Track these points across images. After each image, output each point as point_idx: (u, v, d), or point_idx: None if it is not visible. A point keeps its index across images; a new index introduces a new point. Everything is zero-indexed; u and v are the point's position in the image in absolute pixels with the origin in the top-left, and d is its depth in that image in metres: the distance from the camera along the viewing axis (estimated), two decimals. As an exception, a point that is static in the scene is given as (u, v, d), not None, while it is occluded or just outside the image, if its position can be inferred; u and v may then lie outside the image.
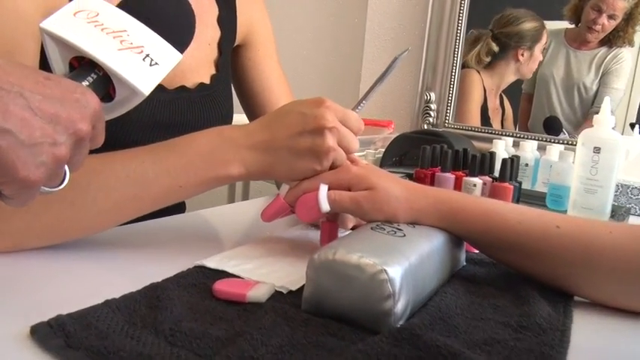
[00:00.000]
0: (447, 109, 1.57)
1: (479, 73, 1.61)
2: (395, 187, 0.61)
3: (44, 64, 0.69)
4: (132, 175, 0.59)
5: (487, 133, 1.53)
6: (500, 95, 1.65)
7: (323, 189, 0.60)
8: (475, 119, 1.61)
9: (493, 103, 1.64)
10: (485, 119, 1.62)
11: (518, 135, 1.48)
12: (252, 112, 1.01)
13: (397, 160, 1.36)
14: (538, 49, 1.56)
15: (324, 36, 1.87)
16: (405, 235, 0.53)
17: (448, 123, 1.57)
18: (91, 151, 0.62)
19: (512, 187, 1.01)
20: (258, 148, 0.61)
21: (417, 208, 0.60)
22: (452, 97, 1.57)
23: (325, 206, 0.60)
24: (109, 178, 0.59)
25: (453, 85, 1.56)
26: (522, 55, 1.57)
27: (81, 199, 0.58)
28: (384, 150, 1.37)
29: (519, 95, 1.61)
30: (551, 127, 1.51)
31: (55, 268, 0.56)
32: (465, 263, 0.66)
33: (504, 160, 1.01)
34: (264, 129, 0.62)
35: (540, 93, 1.58)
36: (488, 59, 1.59)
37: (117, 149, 0.75)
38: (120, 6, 0.53)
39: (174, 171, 0.60)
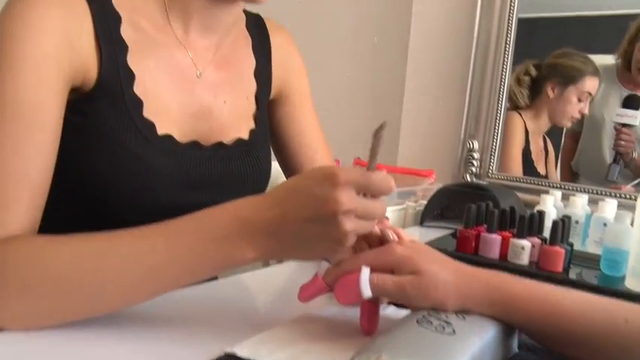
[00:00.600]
0: (490, 158, 1.52)
1: (520, 115, 1.56)
2: (443, 270, 0.56)
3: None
4: (142, 261, 0.57)
5: (532, 184, 1.47)
6: (544, 137, 1.59)
7: (365, 272, 0.56)
8: (518, 166, 1.55)
9: (537, 146, 1.59)
10: (529, 163, 1.57)
11: (566, 187, 1.41)
12: (287, 167, 0.98)
13: (439, 214, 1.31)
14: (573, 92, 1.50)
15: (362, 85, 1.85)
16: (454, 332, 0.49)
17: (492, 173, 1.52)
18: (108, 224, 0.60)
19: (563, 250, 0.95)
20: (271, 232, 0.57)
21: (467, 294, 0.55)
22: (495, 145, 1.52)
23: (367, 292, 0.55)
24: (117, 262, 0.57)
25: (497, 133, 1.51)
26: (553, 90, 1.52)
27: (88, 284, 0.56)
28: (425, 202, 1.33)
29: (561, 133, 1.56)
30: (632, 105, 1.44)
31: (64, 347, 0.53)
32: (517, 350, 0.61)
33: (555, 223, 0.95)
34: (274, 208, 0.57)
35: (589, 133, 1.53)
36: (526, 92, 1.54)
37: (148, 209, 0.72)
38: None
39: (188, 257, 0.57)
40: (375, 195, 0.57)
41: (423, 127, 1.64)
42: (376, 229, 0.63)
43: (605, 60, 1.49)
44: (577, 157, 1.56)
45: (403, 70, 1.67)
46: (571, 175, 1.56)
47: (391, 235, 0.63)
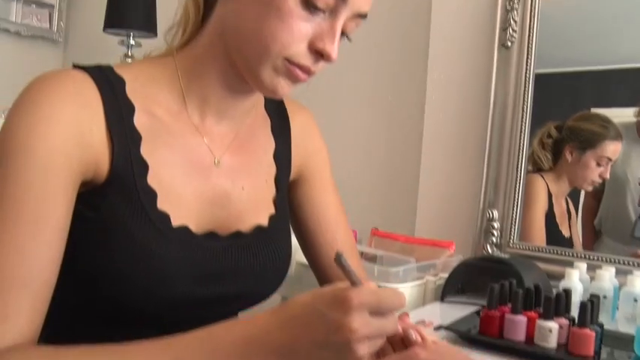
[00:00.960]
0: (511, 227, 1.48)
1: (543, 177, 1.54)
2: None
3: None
4: None
5: (555, 254, 1.42)
6: (566, 199, 1.56)
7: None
8: (540, 233, 1.51)
9: (560, 208, 1.56)
10: (554, 226, 1.52)
11: (591, 257, 1.37)
12: (307, 247, 0.96)
13: (460, 289, 1.27)
14: (591, 157, 1.48)
15: (379, 154, 1.85)
16: None
17: (513, 243, 1.48)
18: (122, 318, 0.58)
19: (594, 333, 0.91)
20: (282, 354, 0.55)
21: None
22: (516, 214, 1.48)
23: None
24: None
25: (517, 200, 1.48)
26: (571, 154, 1.49)
27: None
28: (445, 276, 1.29)
29: (579, 191, 1.52)
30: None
31: None
32: None
33: (583, 305, 0.91)
34: (285, 330, 0.55)
35: (611, 192, 1.48)
36: (550, 155, 1.52)
37: (164, 301, 0.70)
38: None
39: None
40: (386, 313, 0.56)
41: (441, 196, 1.61)
42: (399, 327, 0.60)
43: (625, 113, 1.46)
44: (600, 216, 1.51)
45: (419, 139, 1.66)
46: (594, 234, 1.51)
47: (414, 336, 0.60)
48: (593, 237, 1.51)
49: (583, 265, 1.21)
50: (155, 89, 0.74)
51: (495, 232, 1.48)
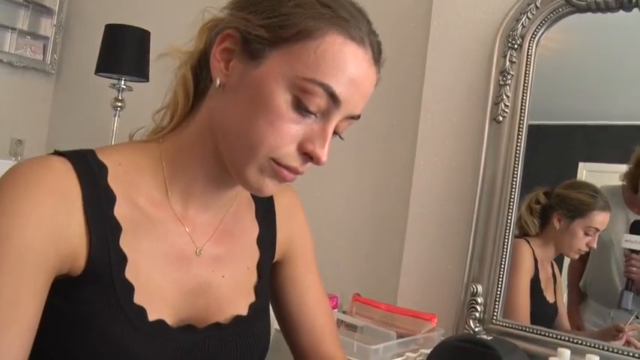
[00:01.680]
0: (495, 303, 1.45)
1: (529, 243, 1.52)
2: None
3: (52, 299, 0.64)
4: None
5: (538, 334, 1.40)
6: (552, 263, 1.54)
7: None
8: (525, 308, 1.49)
9: (545, 273, 1.54)
10: (538, 291, 1.51)
11: (575, 341, 1.34)
12: (286, 329, 0.93)
13: (440, 369, 1.23)
14: (579, 225, 1.47)
15: (363, 222, 1.84)
16: None
17: (496, 319, 1.45)
18: None
19: None
20: None
21: None
22: (501, 290, 1.46)
23: None
24: None
25: (502, 277, 1.46)
26: (559, 221, 1.49)
27: None
28: (426, 352, 1.26)
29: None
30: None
31: None
32: None
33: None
34: None
35: (597, 256, 1.48)
36: (537, 221, 1.51)
37: None
38: None
39: None
40: None
41: (425, 266, 1.59)
42: None
43: (613, 169, 1.47)
44: (585, 278, 1.51)
45: (406, 207, 1.65)
46: (579, 296, 1.51)
47: None
48: (578, 299, 1.50)
49: (567, 352, 1.19)
50: (138, 177, 0.72)
51: (479, 307, 1.46)
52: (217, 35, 0.70)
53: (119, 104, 2.25)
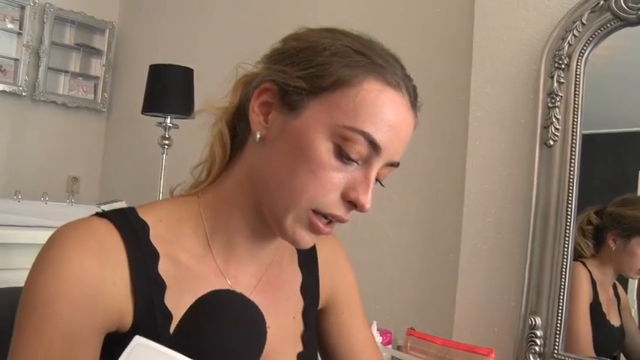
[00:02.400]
0: (555, 337, 1.39)
1: (585, 265, 1.45)
2: None
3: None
4: None
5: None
6: (614, 283, 1.47)
7: None
8: (587, 338, 1.42)
9: (606, 296, 1.47)
10: (600, 316, 1.44)
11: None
12: None
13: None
14: (637, 244, 1.40)
15: (416, 253, 1.81)
16: None
17: (557, 353, 1.39)
18: None
19: None
20: None
21: None
22: (561, 322, 1.39)
23: None
24: None
25: (562, 309, 1.39)
26: (614, 242, 1.41)
27: None
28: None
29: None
30: None
31: None
32: None
33: None
34: None
35: None
36: (591, 242, 1.44)
37: None
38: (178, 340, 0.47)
39: None
40: None
41: (479, 299, 1.54)
42: None
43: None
44: None
45: (458, 238, 1.60)
46: None
47: None
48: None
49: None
50: (179, 232, 0.73)
51: (538, 341, 1.40)
52: (254, 89, 0.71)
53: (166, 142, 2.30)
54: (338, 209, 0.68)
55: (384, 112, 0.66)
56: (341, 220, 0.69)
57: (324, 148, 0.66)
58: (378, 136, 0.66)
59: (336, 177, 0.66)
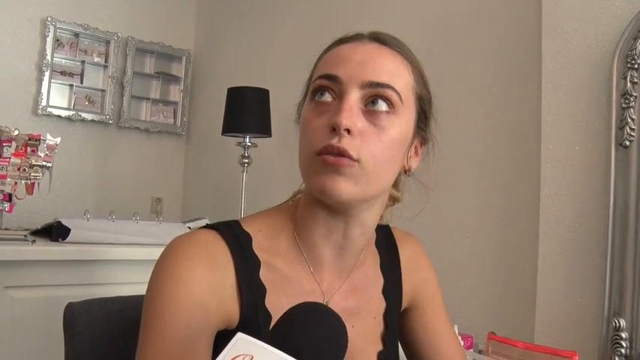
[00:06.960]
0: (641, 338, 1.37)
1: None
2: None
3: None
4: None
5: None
6: None
7: None
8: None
9: None
10: None
11: None
12: None
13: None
14: None
15: (494, 257, 1.81)
16: None
17: (645, 355, 1.37)
18: None
19: None
20: None
21: None
22: (647, 324, 1.37)
23: None
24: None
25: (648, 310, 1.38)
26: None
27: None
28: (569, 394, 1.21)
29: None
30: None
31: None
32: None
33: None
34: None
35: None
36: None
37: None
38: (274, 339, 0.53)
39: None
40: None
41: (560, 301, 1.53)
42: None
43: None
44: None
45: (536, 240, 1.60)
46: None
47: None
48: None
49: None
50: (276, 241, 0.80)
51: (624, 343, 1.38)
52: None
53: (246, 161, 2.40)
54: (328, 140, 0.71)
55: (332, 54, 0.77)
56: (332, 149, 0.71)
57: (307, 110, 0.77)
58: (331, 69, 0.74)
59: (319, 121, 0.73)
